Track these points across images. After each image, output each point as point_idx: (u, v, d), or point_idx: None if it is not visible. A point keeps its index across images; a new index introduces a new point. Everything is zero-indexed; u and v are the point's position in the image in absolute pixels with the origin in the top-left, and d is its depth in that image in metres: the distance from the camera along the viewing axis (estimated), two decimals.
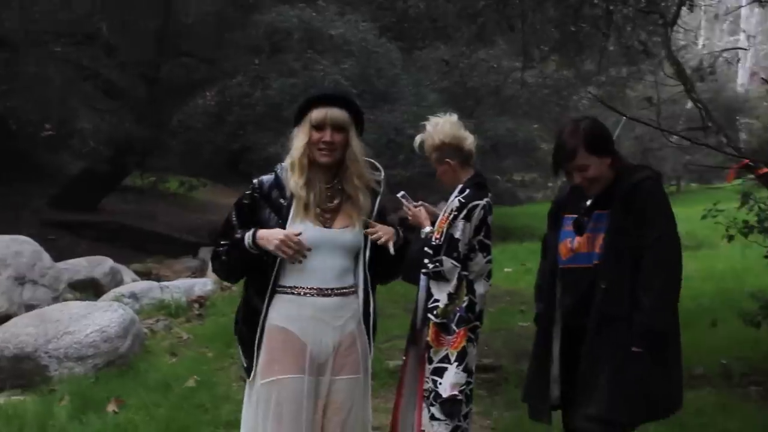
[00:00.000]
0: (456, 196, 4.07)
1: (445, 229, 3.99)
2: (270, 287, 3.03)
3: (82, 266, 10.01)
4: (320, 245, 3.02)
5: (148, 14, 15.47)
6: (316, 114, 3.03)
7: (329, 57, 13.47)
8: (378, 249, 3.09)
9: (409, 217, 4.27)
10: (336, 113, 3.04)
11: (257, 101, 13.33)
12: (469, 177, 4.14)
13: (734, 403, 5.66)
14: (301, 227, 2.98)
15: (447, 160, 4.11)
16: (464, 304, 4.02)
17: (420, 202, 4.30)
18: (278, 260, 2.98)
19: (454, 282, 3.99)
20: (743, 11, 25.52)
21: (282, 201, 3.06)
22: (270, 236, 2.93)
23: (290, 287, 3.05)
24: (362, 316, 3.14)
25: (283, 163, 3.13)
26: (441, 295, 4.01)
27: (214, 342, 6.89)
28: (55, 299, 8.66)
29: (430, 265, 3.98)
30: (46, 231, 13.93)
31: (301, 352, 3.03)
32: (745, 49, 25.09)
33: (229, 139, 13.95)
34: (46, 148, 17.21)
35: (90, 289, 9.57)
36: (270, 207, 3.07)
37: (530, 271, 10.01)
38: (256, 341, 3.04)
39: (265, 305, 3.03)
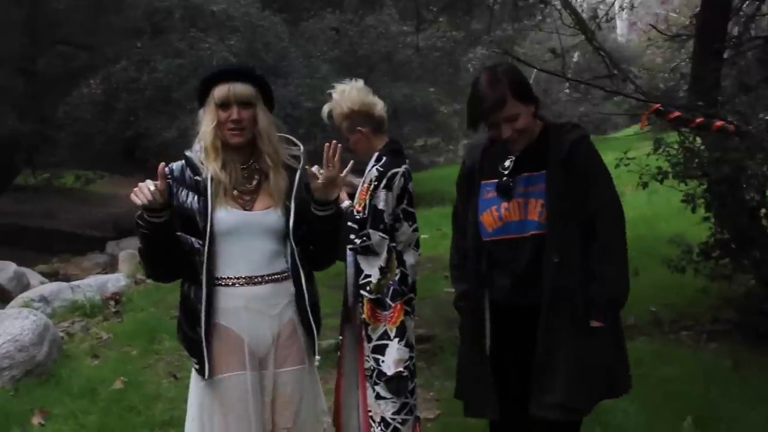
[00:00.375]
0: (373, 165, 3.96)
1: (367, 201, 3.88)
2: (204, 280, 2.85)
3: None
4: (242, 229, 2.89)
5: (13, 3, 14.73)
6: (219, 91, 2.87)
7: (214, 34, 13.22)
8: (307, 228, 2.95)
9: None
10: (240, 88, 2.87)
11: (145, 85, 13.00)
12: (384, 144, 4.04)
13: (669, 350, 5.81)
14: (221, 211, 2.86)
15: (359, 128, 3.98)
16: (397, 277, 3.94)
17: None
18: (205, 249, 2.84)
19: (384, 255, 3.89)
20: None
21: (198, 178, 2.89)
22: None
23: (220, 278, 2.88)
24: (299, 301, 2.96)
25: (194, 146, 2.98)
26: (372, 270, 3.90)
27: (137, 339, 6.71)
28: None
29: (357, 240, 3.88)
30: None
31: (238, 346, 2.89)
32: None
33: (120, 127, 13.57)
34: None
35: None
36: (185, 187, 2.91)
37: (446, 235, 10.03)
38: (203, 338, 2.86)
39: (203, 300, 2.85)
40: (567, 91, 32.13)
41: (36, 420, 5.11)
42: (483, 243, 3.08)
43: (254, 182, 2.95)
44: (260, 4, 13.92)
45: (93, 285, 8.49)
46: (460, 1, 9.15)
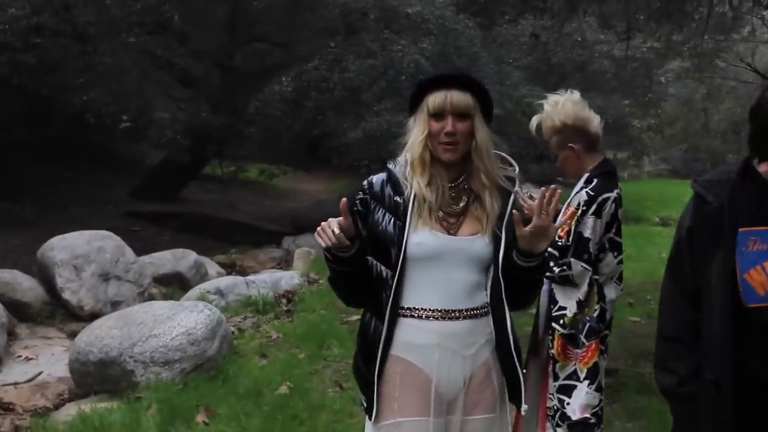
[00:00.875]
0: (582, 188, 3.54)
1: (573, 227, 3.47)
2: (388, 309, 2.50)
3: (166, 260, 9.83)
4: (444, 256, 2.51)
5: (217, 1, 15.22)
6: (434, 99, 2.51)
7: (407, 36, 13.02)
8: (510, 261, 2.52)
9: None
10: (458, 97, 2.50)
11: (335, 85, 12.96)
12: (596, 164, 3.62)
13: None
14: (423, 234, 2.51)
15: (570, 144, 3.60)
16: (595, 313, 3.51)
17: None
18: (396, 275, 2.49)
19: (585, 288, 3.48)
20: None
21: (398, 199, 2.55)
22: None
23: (411, 309, 2.52)
24: (498, 342, 2.56)
25: (398, 158, 2.64)
26: (568, 302, 3.50)
27: (305, 342, 6.52)
28: (141, 294, 8.51)
29: (556, 269, 3.47)
30: (129, 223, 13.97)
31: (425, 388, 2.51)
32: None
33: (308, 125, 13.62)
34: (125, 140, 17.20)
35: (175, 283, 9.42)
36: (383, 207, 2.58)
37: (630, 257, 9.43)
38: (375, 375, 2.52)
39: (383, 332, 2.51)
40: None
41: (200, 418, 4.98)
42: (746, 310, 2.26)
43: (462, 204, 2.59)
44: (455, 7, 13.59)
45: (267, 281, 8.43)
46: (674, 10, 8.37)
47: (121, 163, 17.78)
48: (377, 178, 2.65)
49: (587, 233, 3.45)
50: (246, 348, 6.51)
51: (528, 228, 2.38)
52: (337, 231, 2.37)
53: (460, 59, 13.09)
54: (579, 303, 3.48)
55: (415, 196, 2.52)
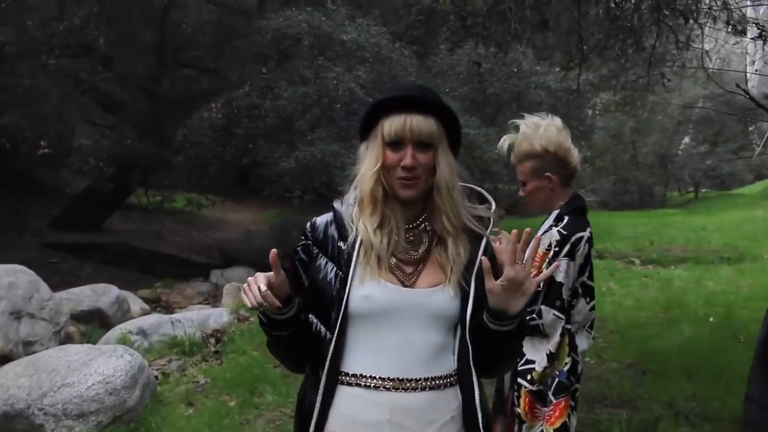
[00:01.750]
0: (552, 225, 3.19)
1: (544, 270, 3.12)
2: (326, 375, 2.05)
3: (85, 296, 9.18)
4: (397, 313, 2.06)
5: (145, 24, 14.72)
6: (391, 125, 2.06)
7: (342, 64, 12.70)
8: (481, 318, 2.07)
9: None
10: (419, 122, 2.05)
11: (267, 112, 12.53)
12: (566, 200, 3.27)
13: None
14: (371, 286, 2.05)
15: (548, 174, 3.23)
16: (566, 367, 3.15)
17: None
18: (335, 334, 2.05)
19: (556, 338, 3.11)
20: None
21: (341, 244, 2.12)
22: None
23: (355, 376, 2.06)
24: (464, 417, 2.08)
25: (346, 197, 2.21)
26: (537, 355, 3.12)
27: (236, 387, 6.02)
28: (57, 334, 7.87)
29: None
30: (48, 254, 13.35)
31: None
32: None
33: (238, 153, 13.12)
34: (45, 167, 16.44)
35: (95, 320, 8.78)
36: (326, 254, 2.15)
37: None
38: None
39: (318, 402, 2.05)
40: (687, 141, 30.98)
41: None
42: None
43: (422, 249, 2.14)
44: (390, 35, 13.36)
45: (194, 320, 7.89)
46: (616, 43, 8.24)
47: (40, 190, 16.98)
48: (321, 220, 2.22)
49: (560, 277, 3.09)
50: (171, 395, 5.98)
51: (499, 282, 1.96)
52: (263, 288, 1.92)
53: None
54: (549, 356, 3.11)
55: (361, 241, 2.10)
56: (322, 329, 2.10)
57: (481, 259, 2.05)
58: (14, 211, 15.41)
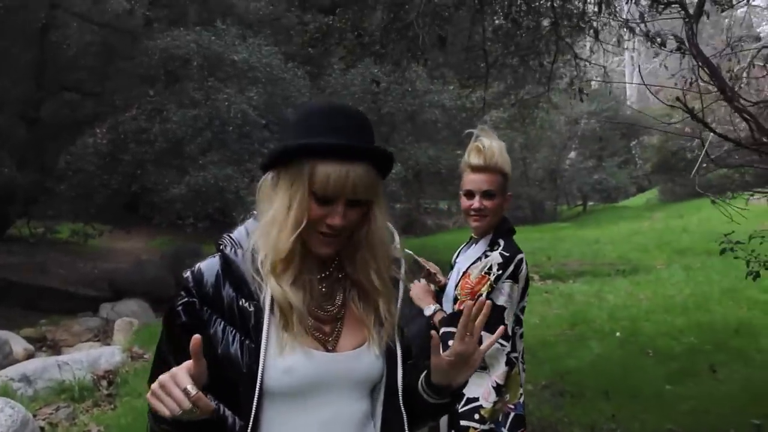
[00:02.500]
0: (488, 249, 2.98)
1: (483, 296, 2.85)
2: None
3: None
4: (325, 384, 1.72)
5: (21, 45, 13.93)
6: (326, 176, 1.65)
7: (233, 85, 12.33)
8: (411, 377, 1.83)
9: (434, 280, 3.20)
10: (361, 178, 1.67)
11: (156, 136, 12.02)
12: (500, 221, 3.08)
13: None
14: (294, 356, 1.67)
15: (510, 194, 3.07)
16: (521, 399, 2.92)
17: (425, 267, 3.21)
18: (250, 421, 1.65)
19: (501, 368, 2.85)
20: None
21: (245, 304, 1.70)
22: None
23: None
24: None
25: (232, 235, 1.80)
26: (478, 390, 2.82)
27: None
28: None
29: None
30: None
31: None
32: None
33: (126, 180, 12.55)
34: None
35: None
36: (222, 316, 1.71)
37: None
38: None
39: None
40: (572, 156, 31.90)
41: None
42: None
43: (337, 301, 1.79)
44: (283, 55, 13.06)
45: (84, 361, 7.37)
46: (516, 61, 8.24)
47: None
48: (208, 270, 1.74)
49: (501, 300, 2.87)
50: None
51: (446, 355, 1.73)
52: (193, 391, 1.49)
53: (288, 109, 12.52)
54: (497, 388, 2.84)
55: (273, 300, 1.69)
56: (229, 416, 1.66)
57: (431, 334, 1.77)
58: None
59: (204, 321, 1.69)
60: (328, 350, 1.73)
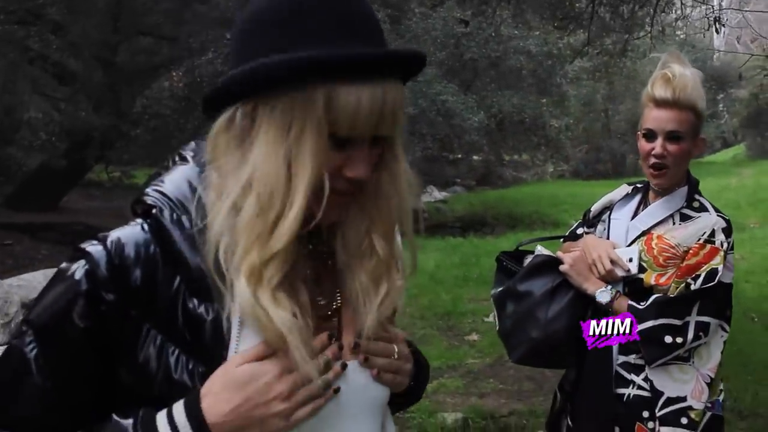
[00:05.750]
0: (685, 207, 2.43)
1: (704, 272, 2.29)
2: None
3: (38, 282, 8.41)
4: (330, 412, 1.16)
5: None
6: (355, 103, 1.04)
7: None
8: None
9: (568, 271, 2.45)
10: (397, 99, 1.08)
11: None
12: (685, 179, 2.49)
13: None
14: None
15: (703, 137, 2.47)
16: (720, 396, 2.35)
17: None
18: None
19: (716, 358, 2.28)
20: None
21: (197, 310, 1.10)
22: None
23: None
24: None
25: (165, 189, 1.19)
26: (685, 387, 2.24)
27: None
28: (6, 326, 7.22)
29: (678, 339, 2.23)
30: (1, 235, 12.51)
31: None
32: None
33: (201, 124, 12.38)
34: None
35: None
36: (159, 328, 1.10)
37: None
38: None
39: None
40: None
41: None
42: None
43: (326, 294, 1.21)
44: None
45: None
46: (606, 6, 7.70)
47: None
48: (132, 245, 1.13)
49: (729, 277, 2.34)
50: None
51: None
52: None
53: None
54: (710, 384, 2.30)
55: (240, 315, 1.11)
56: None
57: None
58: None
59: (126, 335, 1.08)
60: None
